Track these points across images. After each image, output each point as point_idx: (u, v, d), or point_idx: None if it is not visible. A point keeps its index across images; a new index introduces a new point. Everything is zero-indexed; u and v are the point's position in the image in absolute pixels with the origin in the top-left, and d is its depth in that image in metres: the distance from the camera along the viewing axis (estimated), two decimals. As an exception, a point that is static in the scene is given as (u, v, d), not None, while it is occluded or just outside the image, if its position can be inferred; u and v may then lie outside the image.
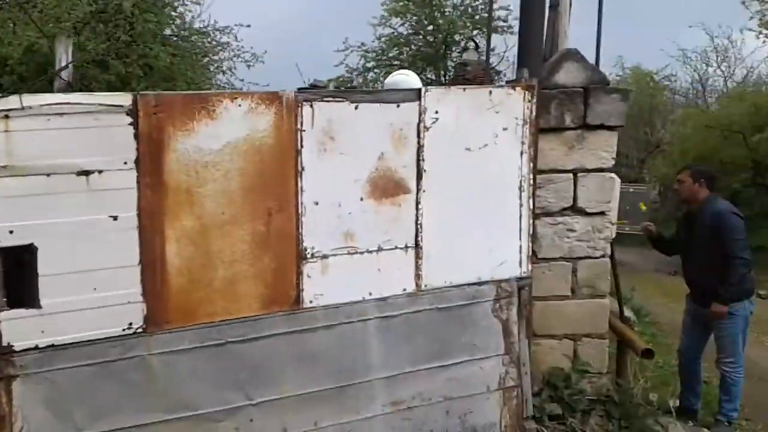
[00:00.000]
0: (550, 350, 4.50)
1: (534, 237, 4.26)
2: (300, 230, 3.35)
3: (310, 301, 3.42)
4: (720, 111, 21.44)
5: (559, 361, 4.48)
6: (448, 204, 3.72)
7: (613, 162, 4.41)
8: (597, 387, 4.45)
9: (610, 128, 4.36)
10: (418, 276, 3.69)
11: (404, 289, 3.67)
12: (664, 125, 27.37)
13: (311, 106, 3.26)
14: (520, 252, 4.00)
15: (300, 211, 3.32)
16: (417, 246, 3.66)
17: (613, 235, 4.91)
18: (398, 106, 3.46)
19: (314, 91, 3.27)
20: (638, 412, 4.33)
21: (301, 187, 3.30)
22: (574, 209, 4.42)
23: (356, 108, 3.36)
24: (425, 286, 3.72)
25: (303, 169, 3.30)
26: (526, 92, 3.84)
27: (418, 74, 5.65)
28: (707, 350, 4.91)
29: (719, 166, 18.16)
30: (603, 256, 4.46)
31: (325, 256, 3.42)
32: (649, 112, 26.65)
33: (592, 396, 4.41)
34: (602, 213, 4.43)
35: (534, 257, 4.35)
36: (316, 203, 3.36)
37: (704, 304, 4.62)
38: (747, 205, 17.80)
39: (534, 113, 3.89)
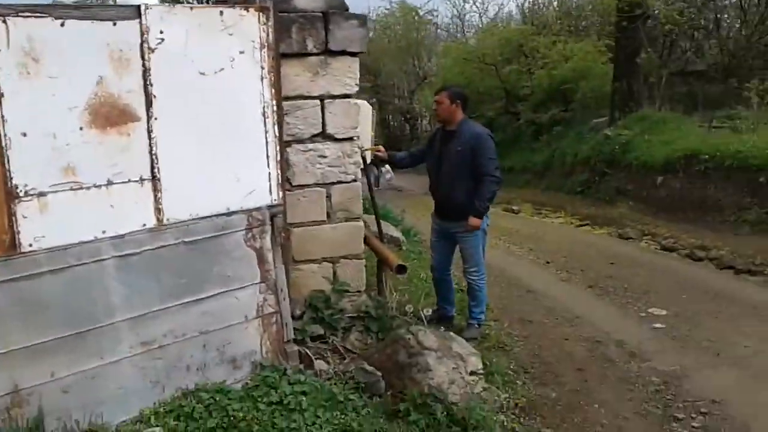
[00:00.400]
0: (311, 274, 4.60)
1: (285, 164, 4.26)
2: (7, 166, 2.98)
3: (30, 245, 3.09)
4: (476, 45, 23.16)
5: (320, 283, 4.60)
6: (187, 132, 3.55)
7: (357, 88, 4.51)
8: (356, 305, 4.66)
9: (352, 54, 4.44)
10: (158, 210, 3.51)
11: (144, 225, 3.46)
12: (430, 58, 28.98)
13: (4, 21, 2.86)
14: (270, 180, 3.96)
15: (4, 144, 2.95)
16: (154, 178, 3.46)
17: (369, 160, 5.09)
18: (114, 24, 3.18)
19: (6, 5, 2.87)
20: (393, 323, 4.62)
21: (2, 116, 2.92)
22: (324, 135, 4.48)
23: (62, 25, 3.02)
24: (167, 219, 3.54)
25: (2, 95, 2.91)
26: (261, 14, 3.74)
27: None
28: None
29: (477, 96, 19.77)
30: (354, 180, 4.60)
31: (42, 194, 3.09)
32: (416, 46, 27.99)
33: (352, 313, 4.62)
34: (350, 139, 4.54)
35: (288, 184, 4.37)
36: (24, 134, 3.00)
37: (453, 218, 4.99)
38: (500, 131, 19.71)
39: (271, 37, 3.82)
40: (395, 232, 9.56)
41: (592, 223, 12.34)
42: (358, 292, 4.73)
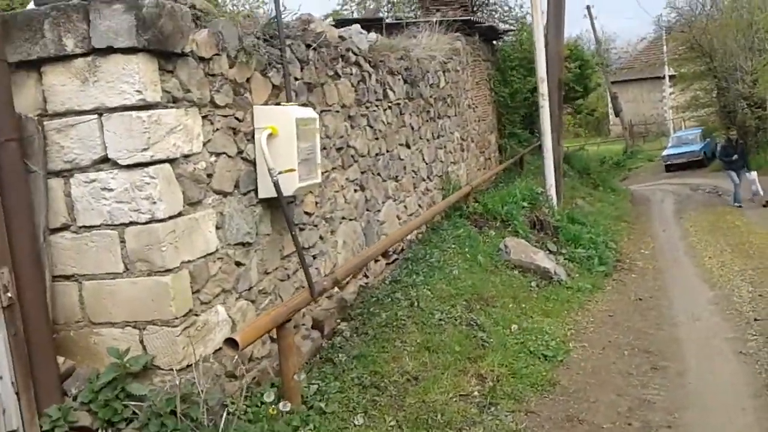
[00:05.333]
0: (113, 341, 3.52)
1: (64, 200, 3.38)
2: None
3: None
4: None
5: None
6: None
7: (149, 95, 3.30)
8: (161, 392, 3.43)
9: (126, 51, 3.25)
10: None
11: None
12: None
13: None
14: None
15: None
16: None
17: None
18: None
19: None
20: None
21: None
22: (109, 161, 3.39)
23: None
24: None
25: None
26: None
27: None
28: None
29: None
30: (153, 220, 3.39)
31: None
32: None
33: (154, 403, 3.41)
34: (142, 165, 3.35)
35: (74, 225, 3.45)
36: None
37: None
38: None
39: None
40: (545, 262, 7.50)
41: None
42: (171, 370, 3.49)
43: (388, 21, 11.06)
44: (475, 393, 4.58)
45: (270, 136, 4.17)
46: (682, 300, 7.32)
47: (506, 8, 16.43)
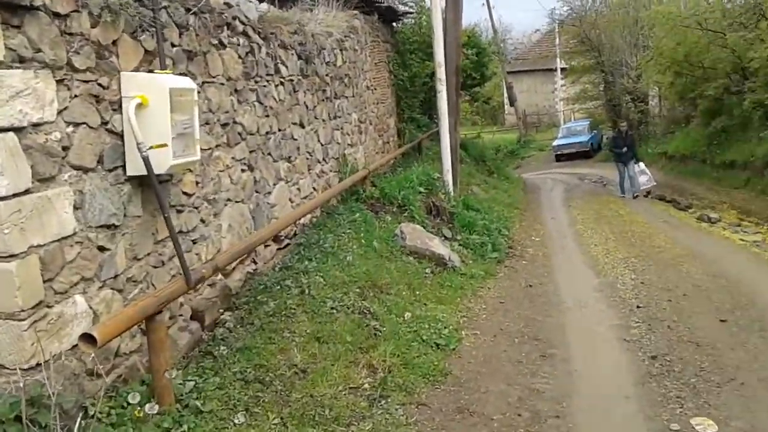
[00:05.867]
0: (-55, 340, 3.02)
1: None
2: None
3: None
4: (693, 7, 18.41)
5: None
6: None
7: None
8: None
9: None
10: None
11: None
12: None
13: None
14: None
15: None
16: None
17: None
18: None
19: None
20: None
21: None
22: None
23: None
24: None
25: None
26: None
27: None
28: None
29: (700, 72, 15.38)
30: (-9, 197, 2.90)
31: None
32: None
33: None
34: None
35: None
36: None
37: None
38: (726, 114, 15.47)
39: None
40: (441, 248, 7.39)
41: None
42: (21, 370, 3.03)
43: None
44: (366, 385, 4.37)
45: (139, 106, 3.73)
46: (570, 287, 7.46)
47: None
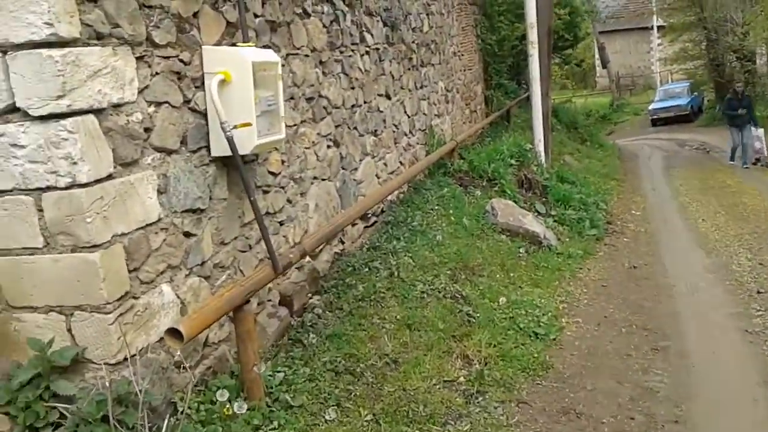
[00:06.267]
0: (37, 330, 2.94)
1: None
2: None
3: None
4: None
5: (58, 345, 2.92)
6: None
7: (57, 31, 2.61)
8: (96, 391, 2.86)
9: (30, -32, 2.56)
10: None
11: None
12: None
13: None
14: None
15: None
16: None
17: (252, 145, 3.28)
18: None
19: None
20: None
21: None
22: (18, 111, 2.73)
23: None
24: None
25: None
26: None
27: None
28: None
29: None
30: (74, 185, 2.75)
31: None
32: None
33: (81, 405, 2.84)
34: (58, 117, 2.69)
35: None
36: None
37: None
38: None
39: None
40: (535, 225, 6.98)
41: None
42: (108, 365, 2.91)
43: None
44: (461, 379, 4.08)
45: (222, 82, 3.51)
46: (679, 268, 6.87)
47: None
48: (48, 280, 2.87)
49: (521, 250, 6.73)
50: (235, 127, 3.47)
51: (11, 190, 2.81)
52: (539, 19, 10.47)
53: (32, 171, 2.76)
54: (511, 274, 6.05)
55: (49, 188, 2.77)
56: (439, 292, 5.20)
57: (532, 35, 10.33)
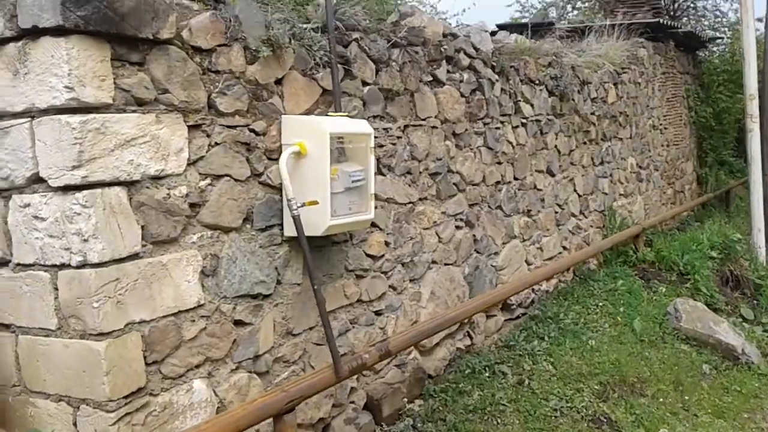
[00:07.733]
0: (48, 419, 2.69)
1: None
2: None
3: None
4: None
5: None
6: None
7: (77, 96, 2.40)
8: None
9: (58, 32, 2.38)
10: None
11: None
12: None
13: None
14: None
15: None
16: None
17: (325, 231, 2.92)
18: None
19: None
20: None
21: None
22: (43, 182, 2.55)
23: None
24: None
25: None
26: None
27: None
28: None
29: None
30: (85, 264, 2.47)
31: None
32: None
33: None
34: (74, 189, 2.46)
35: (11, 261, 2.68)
36: None
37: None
38: None
39: None
40: (731, 336, 5.66)
41: None
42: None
43: (560, 25, 9.49)
44: None
45: (297, 155, 3.11)
46: None
47: (717, 14, 13.83)
48: (59, 366, 2.60)
49: (706, 367, 5.36)
50: (303, 204, 3.04)
51: (33, 265, 2.61)
52: (764, 89, 8.91)
53: (50, 246, 2.54)
54: (686, 397, 4.79)
55: (63, 266, 2.52)
56: (578, 412, 4.22)
57: (752, 108, 8.79)
